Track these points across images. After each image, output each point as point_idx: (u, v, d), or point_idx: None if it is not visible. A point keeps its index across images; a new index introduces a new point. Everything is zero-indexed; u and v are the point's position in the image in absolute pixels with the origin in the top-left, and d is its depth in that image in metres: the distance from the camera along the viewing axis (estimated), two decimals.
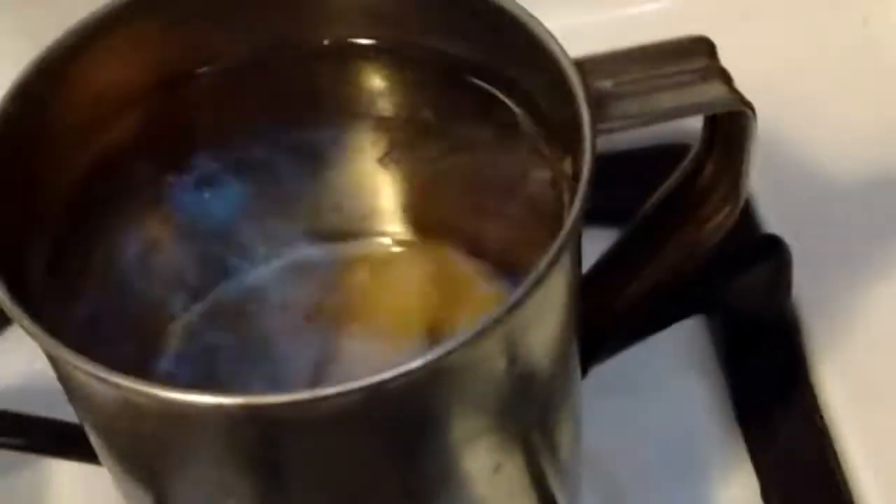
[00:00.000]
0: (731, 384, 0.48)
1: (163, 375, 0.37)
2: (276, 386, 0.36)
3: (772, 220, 0.50)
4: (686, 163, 0.37)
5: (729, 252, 0.42)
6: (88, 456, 0.42)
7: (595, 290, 0.37)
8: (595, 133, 0.31)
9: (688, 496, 0.46)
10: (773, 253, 0.46)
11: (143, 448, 0.31)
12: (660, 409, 0.48)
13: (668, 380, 0.49)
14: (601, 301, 0.37)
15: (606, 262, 0.39)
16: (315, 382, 0.36)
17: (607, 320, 0.39)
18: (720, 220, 0.37)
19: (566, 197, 0.34)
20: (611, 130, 0.32)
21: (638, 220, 0.38)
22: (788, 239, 0.46)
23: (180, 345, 0.38)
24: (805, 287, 0.48)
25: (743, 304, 0.47)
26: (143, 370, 0.36)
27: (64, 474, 0.47)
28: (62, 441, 0.43)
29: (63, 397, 0.47)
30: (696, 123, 0.51)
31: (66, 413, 0.44)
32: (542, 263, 0.29)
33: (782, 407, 0.47)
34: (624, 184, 0.40)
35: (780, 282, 0.47)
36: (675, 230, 0.37)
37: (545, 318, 0.31)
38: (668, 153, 0.51)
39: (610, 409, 0.44)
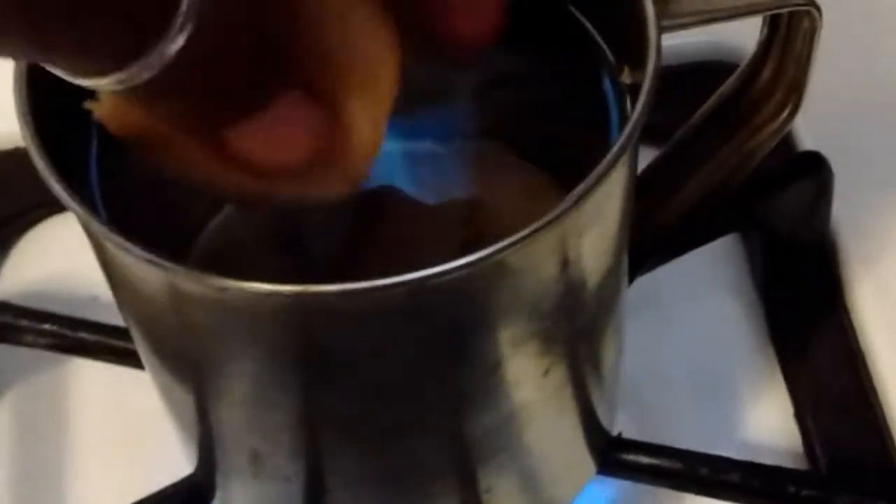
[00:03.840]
0: (765, 304, 0.48)
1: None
2: None
3: (808, 139, 0.49)
4: (742, 67, 0.36)
5: (768, 169, 0.41)
6: (117, 356, 0.41)
7: (642, 199, 0.36)
8: (660, 30, 0.30)
9: (719, 417, 0.46)
10: (815, 171, 0.45)
11: (187, 339, 0.31)
12: (692, 329, 0.48)
13: (701, 299, 0.48)
14: (647, 210, 0.36)
15: (655, 171, 0.38)
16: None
17: (651, 231, 0.38)
18: (777, 125, 0.36)
19: (618, 107, 0.33)
20: (675, 28, 0.31)
21: (689, 128, 0.38)
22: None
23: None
24: (843, 208, 0.47)
25: (781, 222, 0.47)
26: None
27: (85, 375, 0.46)
28: (91, 340, 0.42)
29: (85, 299, 0.47)
30: (728, 40, 0.51)
31: (89, 315, 0.44)
32: (604, 162, 0.29)
33: (817, 329, 0.47)
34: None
35: (821, 201, 0.46)
36: (729, 137, 0.37)
37: (601, 221, 0.31)
38: (702, 71, 0.51)
39: (641, 327, 0.43)
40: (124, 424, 0.45)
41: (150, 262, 0.27)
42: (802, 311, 0.47)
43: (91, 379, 0.46)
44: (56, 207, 0.50)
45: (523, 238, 0.27)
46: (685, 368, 0.47)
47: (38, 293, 0.48)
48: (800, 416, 0.45)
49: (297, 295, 0.27)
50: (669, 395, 0.46)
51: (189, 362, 0.32)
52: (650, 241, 0.38)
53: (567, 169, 0.35)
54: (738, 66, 0.49)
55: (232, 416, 0.33)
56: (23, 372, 0.46)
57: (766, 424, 0.45)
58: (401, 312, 0.28)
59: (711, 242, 0.47)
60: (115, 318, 0.43)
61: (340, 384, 0.31)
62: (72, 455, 0.45)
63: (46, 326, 0.42)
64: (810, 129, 0.48)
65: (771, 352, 0.47)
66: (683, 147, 0.38)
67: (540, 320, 0.31)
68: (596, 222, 0.30)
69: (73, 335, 0.42)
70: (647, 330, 0.46)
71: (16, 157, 0.50)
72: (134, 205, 0.33)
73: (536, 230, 0.28)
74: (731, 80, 0.37)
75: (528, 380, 0.32)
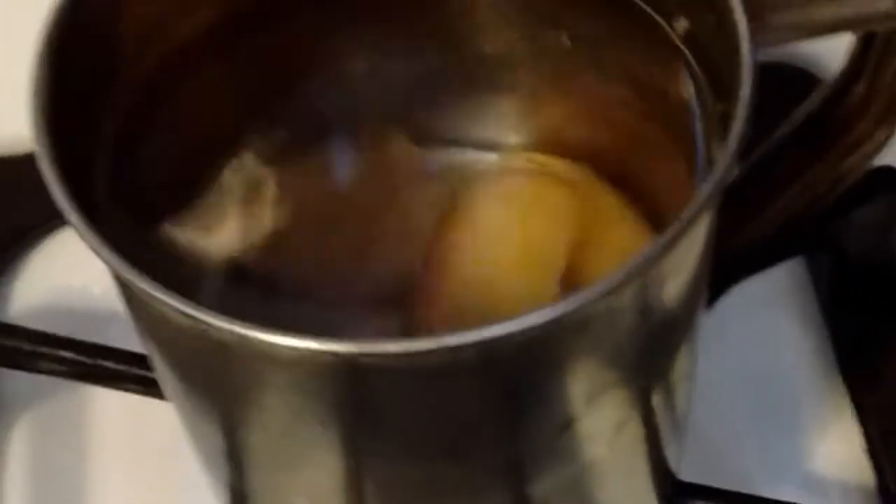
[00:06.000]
0: (832, 331, 0.45)
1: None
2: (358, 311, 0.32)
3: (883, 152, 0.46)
4: (831, 83, 0.33)
5: None
6: (141, 385, 0.38)
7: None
8: (755, 47, 0.27)
9: (784, 449, 0.43)
10: (890, 188, 0.42)
11: (221, 387, 0.28)
12: (754, 356, 0.45)
13: (764, 324, 0.46)
14: (723, 236, 0.33)
15: (732, 193, 0.34)
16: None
17: (726, 258, 0.35)
18: (869, 148, 0.33)
19: (703, 122, 0.30)
20: (768, 44, 0.28)
21: (770, 147, 0.34)
22: None
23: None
24: None
25: (850, 243, 0.44)
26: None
27: (104, 402, 0.43)
28: (113, 368, 0.39)
29: (105, 316, 0.44)
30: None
31: (107, 336, 0.41)
32: (692, 206, 0.25)
33: (889, 356, 0.44)
34: None
35: (895, 220, 0.43)
36: (817, 157, 0.33)
37: (686, 264, 0.28)
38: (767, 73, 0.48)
39: (701, 354, 0.40)
40: (146, 457, 0.42)
41: (188, 315, 0.24)
42: (872, 337, 0.44)
43: (111, 407, 0.43)
44: None
45: (606, 291, 0.24)
46: (747, 398, 0.44)
47: (53, 310, 0.45)
48: (871, 449, 0.42)
49: (352, 355, 0.24)
50: (731, 426, 0.43)
51: (220, 408, 0.29)
52: (724, 268, 0.35)
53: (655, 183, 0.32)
54: (805, 69, 0.47)
55: (271, 474, 0.30)
56: (38, 398, 0.43)
57: (835, 458, 0.43)
58: (466, 371, 0.25)
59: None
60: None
61: (393, 444, 0.28)
62: (89, 488, 0.42)
63: (64, 353, 0.39)
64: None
65: (839, 381, 0.44)
66: (764, 168, 0.34)
67: (617, 371, 0.28)
68: (681, 266, 0.27)
69: (92, 362, 0.39)
70: (707, 358, 0.43)
71: (25, 163, 0.47)
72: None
73: (620, 282, 0.24)
74: (818, 96, 0.33)
75: (600, 436, 0.29)
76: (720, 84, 0.29)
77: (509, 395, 0.26)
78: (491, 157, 0.36)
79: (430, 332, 0.32)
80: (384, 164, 0.35)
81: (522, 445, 0.28)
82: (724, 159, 0.25)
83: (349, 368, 0.25)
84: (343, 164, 0.35)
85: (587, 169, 0.34)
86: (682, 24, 0.30)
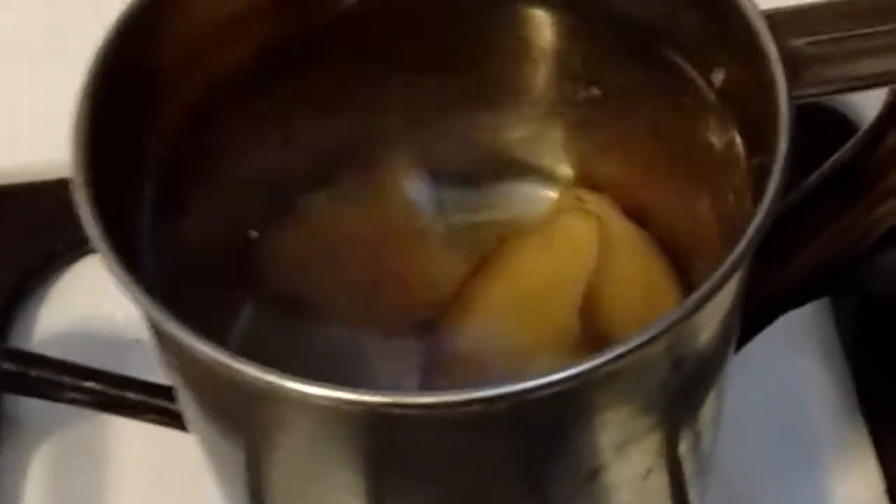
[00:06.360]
0: (855, 372, 0.45)
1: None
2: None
3: None
4: (862, 133, 0.33)
5: None
6: (163, 416, 0.38)
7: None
8: (793, 101, 0.27)
9: (805, 491, 0.43)
10: None
11: (248, 427, 0.28)
12: (775, 397, 0.44)
13: (786, 365, 0.45)
14: (754, 284, 0.33)
15: (763, 243, 0.34)
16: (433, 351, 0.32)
17: (755, 304, 0.35)
18: None
19: (734, 171, 0.30)
20: (805, 98, 0.28)
21: (800, 195, 0.34)
22: None
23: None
24: None
25: (875, 284, 0.43)
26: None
27: (126, 430, 0.43)
28: (136, 399, 0.39)
29: (126, 348, 0.44)
30: None
31: (130, 364, 0.41)
32: (725, 265, 0.25)
33: None
34: None
35: None
36: (846, 207, 0.33)
37: (717, 318, 0.28)
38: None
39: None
40: (165, 486, 0.42)
41: (219, 362, 0.24)
42: (895, 380, 0.44)
43: (131, 435, 0.43)
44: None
45: (638, 346, 0.24)
46: (769, 438, 0.44)
47: (77, 337, 0.45)
48: (892, 492, 0.42)
49: (384, 406, 0.24)
50: (753, 466, 0.43)
51: (250, 454, 0.29)
52: (753, 314, 0.35)
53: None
54: (837, 110, 0.47)
55: None
56: (58, 425, 0.43)
57: (856, 500, 0.42)
58: (496, 422, 0.25)
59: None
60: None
61: (419, 490, 0.28)
62: None
63: (87, 384, 0.39)
64: None
65: (861, 423, 0.44)
66: (795, 215, 0.34)
67: (647, 420, 0.28)
68: (714, 318, 0.27)
69: (115, 393, 0.39)
70: (729, 398, 0.43)
71: (53, 189, 0.47)
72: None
73: (654, 336, 0.24)
74: (849, 146, 0.33)
75: (628, 484, 0.29)
76: (755, 136, 0.29)
77: (538, 445, 0.26)
78: (519, 193, 0.36)
79: (455, 359, 0.33)
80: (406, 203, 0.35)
81: (550, 494, 0.28)
82: (760, 217, 0.25)
83: (379, 417, 0.25)
84: (374, 202, 0.36)
85: (611, 201, 0.35)
86: (718, 77, 0.30)
